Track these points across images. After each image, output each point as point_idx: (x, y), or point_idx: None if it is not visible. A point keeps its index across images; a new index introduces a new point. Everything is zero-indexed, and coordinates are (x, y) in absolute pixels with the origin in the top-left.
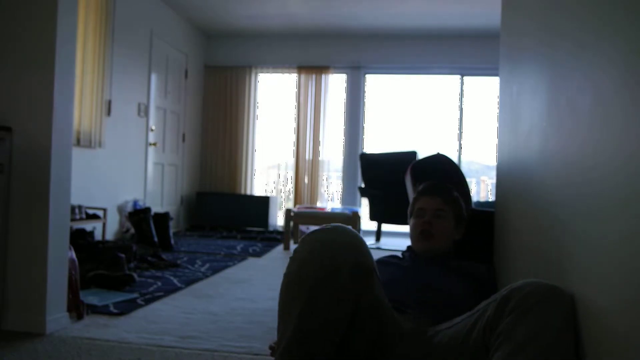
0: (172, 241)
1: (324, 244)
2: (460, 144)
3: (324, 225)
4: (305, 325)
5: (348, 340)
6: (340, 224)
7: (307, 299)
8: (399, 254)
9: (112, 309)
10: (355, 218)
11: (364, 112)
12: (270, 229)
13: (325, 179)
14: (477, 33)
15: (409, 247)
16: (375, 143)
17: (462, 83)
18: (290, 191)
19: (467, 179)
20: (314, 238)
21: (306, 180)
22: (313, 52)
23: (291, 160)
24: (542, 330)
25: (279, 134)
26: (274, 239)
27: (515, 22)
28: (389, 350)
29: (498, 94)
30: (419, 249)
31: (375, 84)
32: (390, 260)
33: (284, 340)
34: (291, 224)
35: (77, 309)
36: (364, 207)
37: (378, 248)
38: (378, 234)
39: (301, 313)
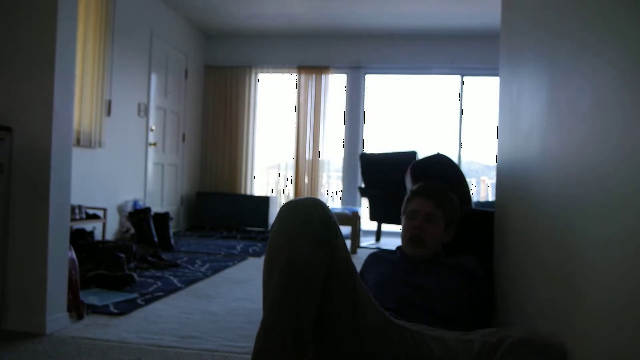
0: (172, 241)
1: (297, 204)
2: (460, 144)
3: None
4: (289, 274)
5: (323, 318)
6: (309, 196)
7: (287, 248)
8: (393, 248)
9: (112, 309)
10: (355, 218)
11: (364, 112)
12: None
13: (325, 179)
14: (477, 33)
15: (399, 248)
16: (375, 143)
17: (462, 83)
18: (290, 191)
19: (467, 179)
20: (287, 204)
21: (306, 180)
22: (313, 52)
23: (291, 160)
24: None
25: (279, 134)
26: None
27: (515, 22)
28: (365, 340)
29: (498, 94)
30: (408, 253)
31: (375, 84)
32: (383, 256)
33: (270, 295)
34: None
35: (77, 309)
36: (364, 207)
37: (378, 248)
38: (378, 234)
39: (285, 263)
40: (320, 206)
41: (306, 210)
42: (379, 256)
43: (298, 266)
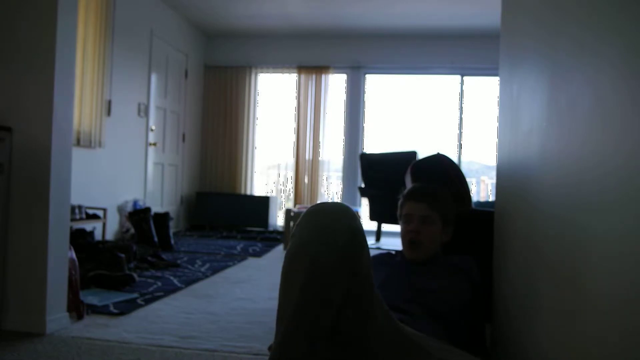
0: (172, 241)
1: (326, 209)
2: (460, 144)
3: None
4: (310, 287)
5: (338, 323)
6: (335, 201)
7: (311, 255)
8: (393, 251)
9: (112, 309)
10: None
11: (364, 112)
12: (270, 229)
13: (325, 179)
14: (477, 33)
15: (401, 251)
16: (375, 143)
17: (462, 83)
18: (290, 191)
19: (467, 179)
20: (315, 207)
21: (306, 180)
22: (313, 52)
23: (291, 160)
24: None
25: (279, 134)
26: (274, 239)
27: (515, 22)
28: (379, 346)
29: (498, 94)
30: (408, 257)
31: (375, 84)
32: (383, 260)
33: (289, 309)
34: (291, 224)
35: (77, 309)
36: (364, 207)
37: (378, 248)
38: (378, 234)
39: (306, 274)
40: (350, 214)
41: (336, 217)
42: (381, 259)
43: (320, 278)
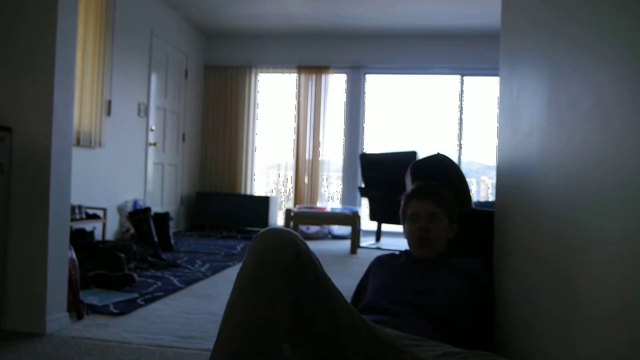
0: (172, 241)
1: (268, 233)
2: (460, 144)
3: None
4: (255, 296)
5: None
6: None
7: (256, 270)
8: (397, 252)
9: (112, 309)
10: (355, 218)
11: (364, 112)
12: None
13: (325, 179)
14: (477, 33)
15: (407, 251)
16: (375, 143)
17: (462, 83)
18: (290, 191)
19: (467, 179)
20: (259, 235)
21: (306, 180)
22: (313, 52)
23: (291, 160)
24: None
25: (279, 134)
26: None
27: (515, 22)
28: (352, 342)
29: (498, 94)
30: (417, 255)
31: (375, 84)
32: (387, 261)
33: (232, 321)
34: (291, 224)
35: (77, 309)
36: (364, 207)
37: (378, 248)
38: (378, 234)
39: (256, 275)
40: (293, 234)
41: (281, 235)
42: (384, 261)
43: (267, 281)
